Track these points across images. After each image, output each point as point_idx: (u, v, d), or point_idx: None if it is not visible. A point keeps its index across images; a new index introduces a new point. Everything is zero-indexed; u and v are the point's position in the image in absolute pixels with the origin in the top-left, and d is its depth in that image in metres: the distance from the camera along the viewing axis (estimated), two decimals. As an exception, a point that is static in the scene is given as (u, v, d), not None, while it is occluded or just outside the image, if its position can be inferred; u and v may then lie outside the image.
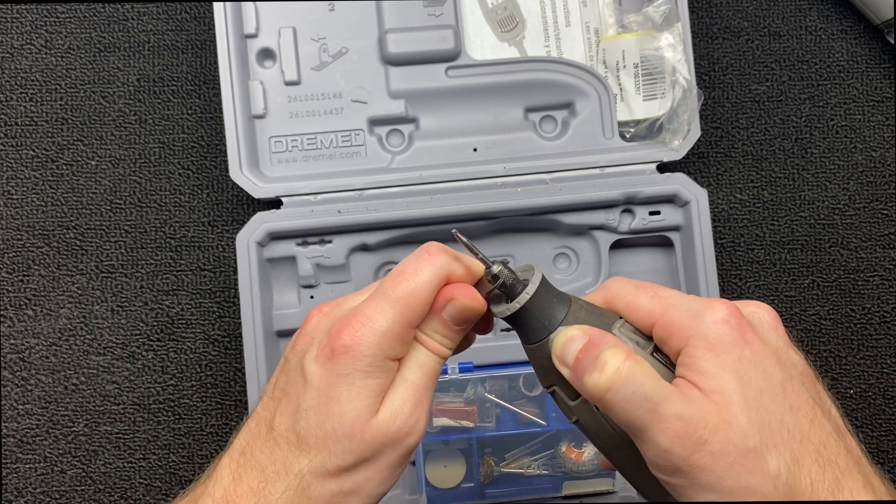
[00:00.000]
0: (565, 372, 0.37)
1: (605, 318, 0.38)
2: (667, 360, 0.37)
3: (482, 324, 0.41)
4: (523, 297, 0.37)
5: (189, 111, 0.68)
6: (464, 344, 0.42)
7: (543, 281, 0.38)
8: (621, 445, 0.37)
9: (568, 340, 0.37)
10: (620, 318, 0.38)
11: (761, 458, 0.33)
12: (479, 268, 0.39)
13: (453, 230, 0.39)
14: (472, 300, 0.38)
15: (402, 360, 0.38)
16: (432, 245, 0.38)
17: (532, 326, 0.38)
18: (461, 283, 0.38)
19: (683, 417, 0.33)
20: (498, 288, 0.38)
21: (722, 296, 0.66)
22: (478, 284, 0.39)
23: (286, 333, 0.64)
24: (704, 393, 0.34)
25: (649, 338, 0.38)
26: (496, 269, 0.38)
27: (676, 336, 0.36)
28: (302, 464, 0.36)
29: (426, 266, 0.37)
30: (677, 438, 0.33)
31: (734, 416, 0.33)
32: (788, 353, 0.37)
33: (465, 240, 0.38)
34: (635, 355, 0.36)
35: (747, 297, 0.69)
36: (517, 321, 0.38)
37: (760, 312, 0.38)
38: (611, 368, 0.35)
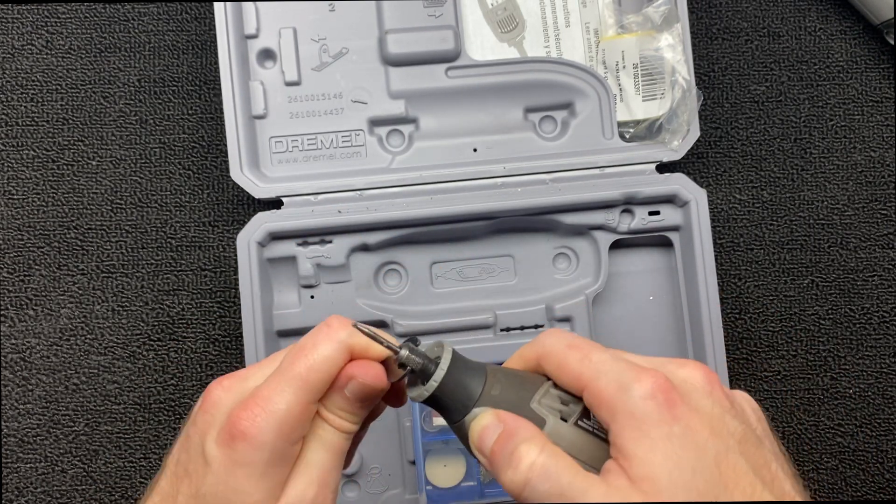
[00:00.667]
0: (482, 460, 0.36)
1: (524, 388, 0.37)
2: (597, 426, 0.36)
3: (393, 398, 0.40)
4: (431, 385, 0.36)
5: (189, 111, 0.68)
6: (372, 415, 0.40)
7: (454, 359, 0.37)
8: None
9: (483, 430, 0.35)
10: (548, 379, 0.37)
11: None
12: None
13: (354, 323, 0.37)
14: (374, 379, 0.36)
15: (304, 437, 0.37)
16: (333, 318, 0.37)
17: (449, 408, 0.37)
18: (364, 361, 0.37)
19: None
20: (409, 374, 0.37)
21: (721, 297, 0.66)
22: (387, 361, 0.38)
23: (286, 333, 0.64)
24: (633, 481, 0.32)
25: (579, 399, 0.36)
26: (403, 355, 0.37)
27: (604, 409, 0.34)
28: None
29: (326, 341, 0.36)
30: None
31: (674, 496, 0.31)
32: (724, 420, 0.34)
33: (366, 330, 0.36)
34: (551, 446, 0.34)
35: (746, 299, 0.69)
36: (434, 404, 0.37)
37: (695, 377, 0.36)
38: (525, 464, 0.33)
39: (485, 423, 0.36)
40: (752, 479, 0.33)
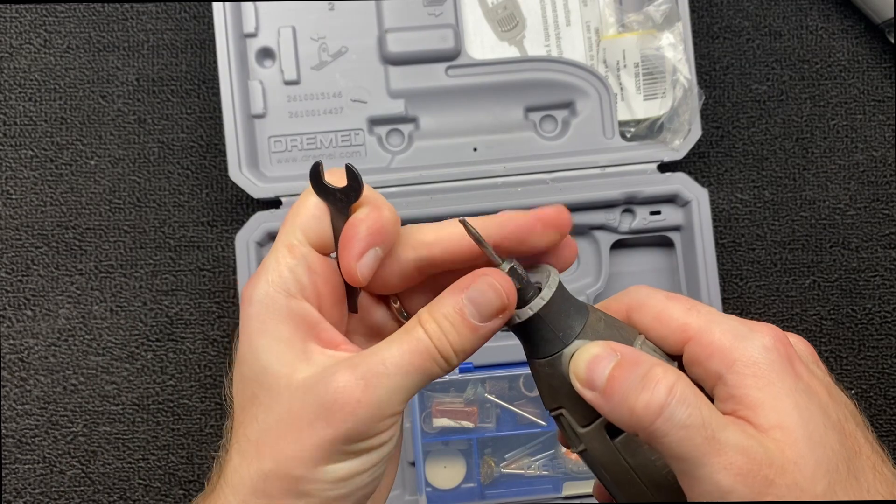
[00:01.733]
0: (589, 395, 0.31)
1: (624, 332, 0.34)
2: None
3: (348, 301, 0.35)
4: (537, 303, 0.32)
5: (188, 111, 0.68)
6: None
7: (560, 286, 0.33)
8: (636, 482, 0.33)
9: (594, 359, 0.31)
10: (640, 334, 0.34)
11: None
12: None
13: (461, 218, 0.32)
14: (499, 293, 0.31)
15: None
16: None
17: (543, 338, 0.33)
18: (495, 271, 0.32)
19: (747, 452, 0.29)
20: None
21: (723, 296, 0.66)
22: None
23: (286, 334, 0.63)
24: (762, 430, 0.30)
25: (671, 358, 0.33)
26: (506, 266, 0.32)
27: (718, 358, 0.31)
28: None
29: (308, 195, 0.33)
30: (741, 476, 0.28)
31: (801, 457, 0.29)
32: (837, 391, 0.33)
33: (474, 231, 0.32)
34: (685, 375, 0.31)
35: (748, 299, 0.69)
36: (525, 331, 0.33)
37: (800, 346, 0.33)
38: (664, 386, 0.29)
39: (595, 351, 0.31)
40: (871, 451, 0.31)
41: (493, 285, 0.31)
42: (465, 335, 0.31)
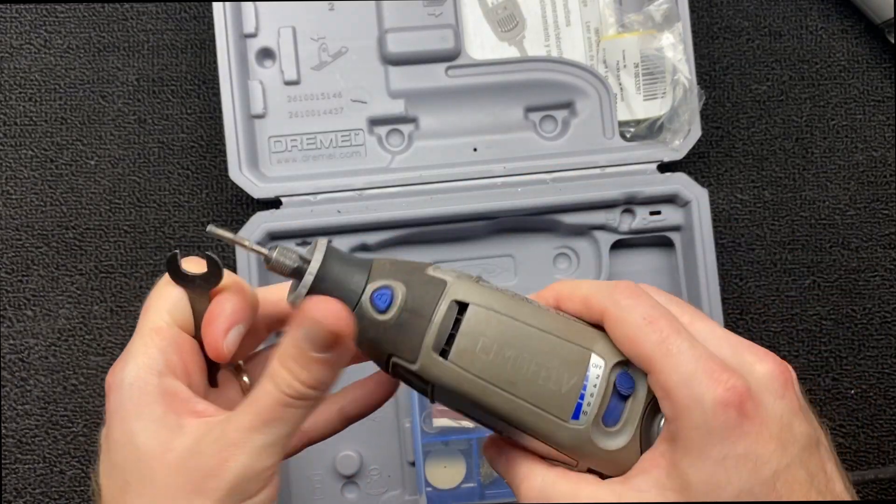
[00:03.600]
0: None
1: (412, 267, 0.34)
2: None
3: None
4: (307, 279, 0.33)
5: (188, 111, 0.68)
6: (355, 415, 0.40)
7: (329, 250, 0.33)
8: (490, 389, 0.34)
9: (491, 462, 0.36)
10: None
11: None
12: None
13: (209, 227, 0.34)
14: (332, 317, 0.31)
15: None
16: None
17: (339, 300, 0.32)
18: (323, 297, 0.32)
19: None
20: (289, 276, 0.34)
21: (723, 296, 0.65)
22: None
23: (286, 334, 0.63)
24: (662, 488, 0.32)
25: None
26: (272, 257, 0.33)
27: (669, 405, 0.33)
28: None
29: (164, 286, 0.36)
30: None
31: None
32: (792, 427, 0.33)
33: (224, 234, 0.34)
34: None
35: (747, 299, 0.69)
36: None
37: (772, 375, 0.33)
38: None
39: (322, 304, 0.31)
40: (807, 491, 0.32)
41: (314, 316, 0.31)
42: (313, 369, 0.32)
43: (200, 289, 0.36)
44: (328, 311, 0.31)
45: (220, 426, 0.32)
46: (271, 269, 0.33)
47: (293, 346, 0.31)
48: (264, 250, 0.34)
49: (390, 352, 0.34)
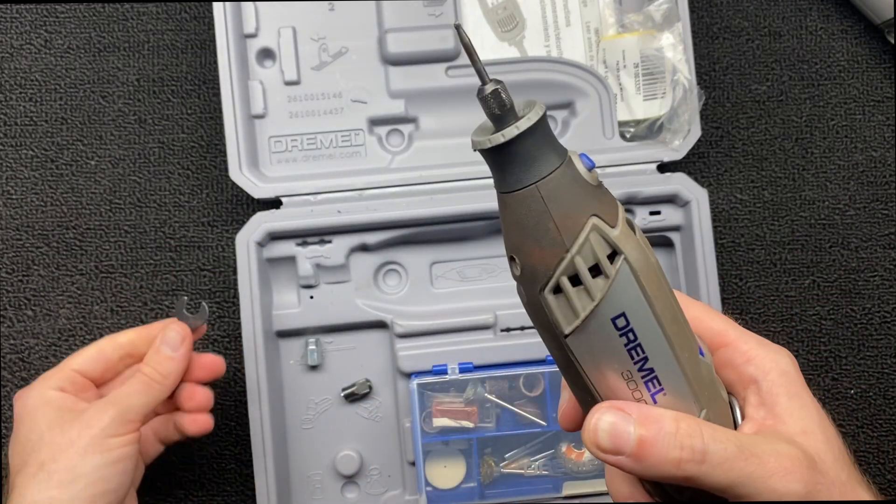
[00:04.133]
0: (615, 460, 0.33)
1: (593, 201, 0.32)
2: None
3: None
4: (510, 131, 0.31)
5: (189, 111, 0.68)
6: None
7: (542, 119, 0.31)
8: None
9: (613, 427, 0.33)
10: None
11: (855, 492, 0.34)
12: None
13: (456, 23, 0.33)
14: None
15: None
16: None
17: (516, 168, 0.32)
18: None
19: (787, 456, 0.33)
20: (487, 114, 0.32)
21: (722, 296, 0.66)
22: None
23: (286, 333, 0.63)
24: (789, 435, 0.34)
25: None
26: (489, 87, 0.31)
27: (755, 365, 0.36)
28: None
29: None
30: (791, 475, 0.32)
31: (824, 453, 0.34)
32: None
33: (466, 39, 0.32)
34: (694, 417, 0.34)
35: (747, 299, 0.69)
36: (498, 158, 0.32)
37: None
38: (696, 436, 0.32)
39: (611, 419, 0.33)
40: (853, 464, 0.36)
41: (170, 329, 0.54)
42: (164, 362, 0.53)
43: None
44: (179, 328, 0.55)
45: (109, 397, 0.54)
46: (482, 100, 0.31)
47: (155, 349, 0.54)
48: (486, 75, 0.31)
49: (595, 211, 0.32)
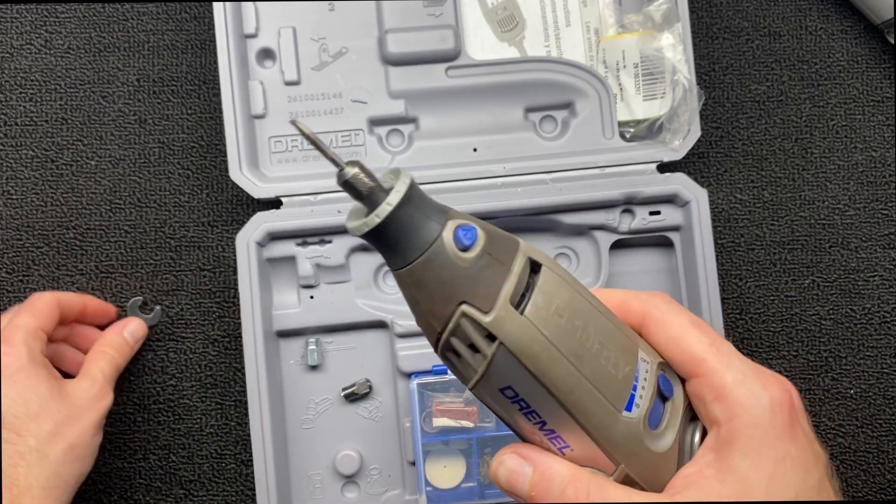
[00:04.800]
0: (514, 497, 0.34)
1: (486, 222, 0.31)
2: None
3: None
4: (384, 209, 0.30)
5: (189, 111, 0.68)
6: None
7: (412, 186, 0.30)
8: (559, 358, 0.31)
9: (511, 474, 0.33)
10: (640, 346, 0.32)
11: None
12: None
13: (293, 120, 0.33)
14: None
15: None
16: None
17: (409, 238, 0.30)
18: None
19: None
20: (354, 197, 0.30)
21: (722, 297, 0.66)
22: None
23: (286, 333, 0.63)
24: (723, 496, 0.31)
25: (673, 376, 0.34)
26: (349, 172, 0.30)
27: (723, 405, 0.32)
28: None
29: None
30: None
31: None
32: (816, 445, 0.33)
33: (307, 132, 0.31)
34: (591, 473, 0.32)
35: (747, 299, 0.69)
36: (380, 238, 0.30)
37: (794, 395, 0.33)
38: (583, 496, 0.31)
39: (511, 465, 0.34)
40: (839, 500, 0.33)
41: (134, 322, 0.64)
42: (123, 346, 0.61)
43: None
44: (134, 325, 0.63)
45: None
46: (344, 185, 0.30)
47: (117, 334, 0.62)
48: (341, 161, 0.30)
49: (464, 298, 0.30)
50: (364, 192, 0.30)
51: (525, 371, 0.31)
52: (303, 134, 0.31)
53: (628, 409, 0.31)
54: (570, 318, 0.31)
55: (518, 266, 0.30)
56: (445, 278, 0.30)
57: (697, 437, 0.33)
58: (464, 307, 0.30)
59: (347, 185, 0.30)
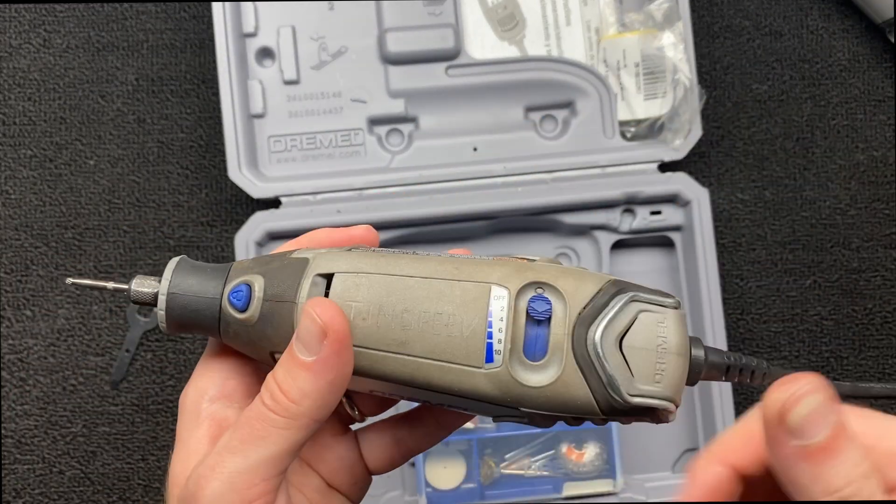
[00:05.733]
0: (791, 443, 0.25)
1: (273, 258, 0.31)
2: None
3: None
4: (161, 300, 0.31)
5: (188, 110, 0.68)
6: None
7: (182, 263, 0.31)
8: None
9: (821, 407, 0.24)
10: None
11: None
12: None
13: (70, 281, 0.33)
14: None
15: None
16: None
17: (204, 324, 0.31)
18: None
19: None
20: (154, 305, 0.31)
21: (723, 297, 0.65)
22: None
23: (285, 334, 0.63)
24: None
25: None
26: (132, 288, 0.31)
27: None
28: None
29: None
30: None
31: None
32: None
33: (85, 282, 0.33)
34: None
35: (748, 299, 0.69)
36: (184, 322, 0.31)
37: None
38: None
39: (822, 399, 0.24)
40: None
41: (307, 314, 0.28)
42: (297, 375, 0.28)
43: None
44: (320, 307, 0.28)
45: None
46: (135, 301, 0.31)
47: (286, 353, 0.29)
48: (123, 285, 0.32)
49: (271, 349, 0.30)
50: (150, 299, 0.31)
51: (366, 379, 0.30)
52: (82, 284, 0.32)
53: (489, 359, 0.29)
54: (378, 312, 0.30)
55: (303, 294, 0.30)
56: (246, 340, 0.30)
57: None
58: (276, 355, 0.30)
59: (137, 301, 0.31)
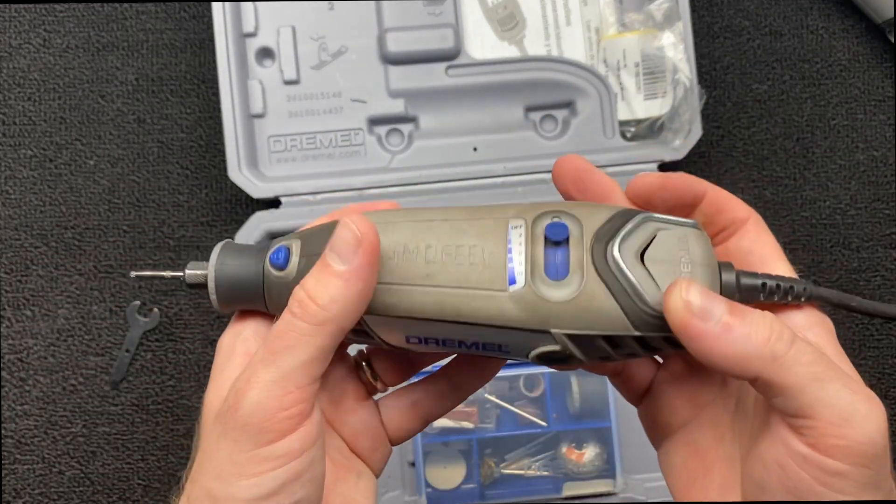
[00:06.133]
0: (699, 325, 0.28)
1: (313, 228, 0.33)
2: None
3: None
4: (210, 282, 0.32)
5: (188, 110, 0.68)
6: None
7: (227, 245, 0.33)
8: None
9: (705, 292, 0.29)
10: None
11: None
12: None
13: (133, 274, 0.35)
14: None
15: None
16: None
17: (250, 295, 0.33)
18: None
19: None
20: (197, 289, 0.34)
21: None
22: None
23: (285, 334, 0.63)
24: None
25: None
26: (187, 273, 0.33)
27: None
28: None
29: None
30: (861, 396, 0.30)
31: None
32: None
33: (147, 273, 0.34)
34: None
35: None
36: (232, 295, 0.33)
37: None
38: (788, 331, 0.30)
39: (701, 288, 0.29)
40: None
41: (345, 224, 0.29)
42: (327, 281, 0.29)
43: None
44: (359, 223, 0.29)
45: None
46: (190, 285, 0.33)
47: (318, 264, 0.30)
48: (178, 273, 0.33)
49: None
50: (205, 281, 0.33)
51: (398, 320, 0.31)
52: (145, 277, 0.34)
53: (511, 282, 0.31)
54: (404, 251, 0.31)
55: None
56: (287, 298, 0.31)
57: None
58: None
59: (193, 286, 0.33)
